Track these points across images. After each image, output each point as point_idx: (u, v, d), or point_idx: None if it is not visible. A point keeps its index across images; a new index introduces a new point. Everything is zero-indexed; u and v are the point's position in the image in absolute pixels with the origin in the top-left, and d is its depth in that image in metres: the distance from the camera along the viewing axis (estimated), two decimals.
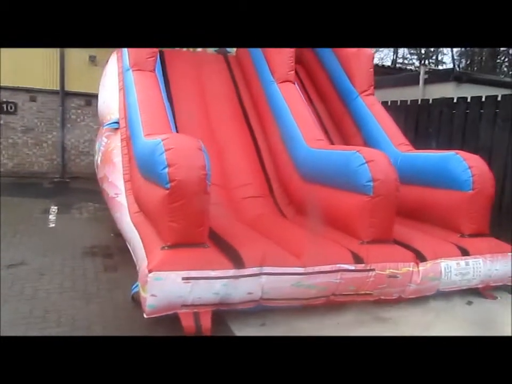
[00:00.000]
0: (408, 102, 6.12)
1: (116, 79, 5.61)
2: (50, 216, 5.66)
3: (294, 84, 5.11)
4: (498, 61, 17.93)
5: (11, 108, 8.44)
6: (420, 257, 3.30)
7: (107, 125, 4.98)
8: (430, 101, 5.77)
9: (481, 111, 5.02)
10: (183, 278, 2.58)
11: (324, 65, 5.86)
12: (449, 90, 5.90)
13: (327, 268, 2.96)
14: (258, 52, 5.55)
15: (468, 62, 17.77)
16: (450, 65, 18.82)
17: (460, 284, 3.41)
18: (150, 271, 2.54)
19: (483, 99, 5.03)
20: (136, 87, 4.32)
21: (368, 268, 3.07)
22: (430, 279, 3.28)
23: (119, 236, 4.77)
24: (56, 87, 8.50)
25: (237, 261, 2.76)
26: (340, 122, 5.60)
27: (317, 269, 2.93)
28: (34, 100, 8.48)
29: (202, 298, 2.64)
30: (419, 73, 6.26)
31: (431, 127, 5.70)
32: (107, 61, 6.41)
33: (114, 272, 3.80)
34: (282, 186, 4.71)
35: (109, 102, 5.58)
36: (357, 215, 3.35)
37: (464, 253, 3.44)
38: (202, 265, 2.66)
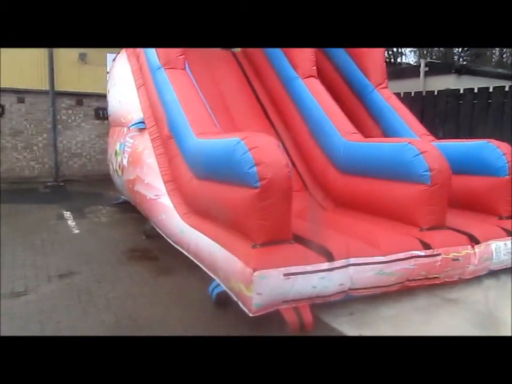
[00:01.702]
0: (412, 94, 6.40)
1: (131, 78, 5.50)
2: (69, 222, 5.46)
3: (317, 79, 5.21)
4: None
5: None
6: (474, 240, 3.53)
7: (133, 125, 4.86)
8: (436, 92, 6.06)
9: (489, 101, 5.36)
10: (284, 274, 2.65)
11: (334, 62, 5.98)
12: (450, 82, 6.22)
13: (402, 255, 3.12)
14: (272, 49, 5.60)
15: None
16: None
17: (507, 263, 3.68)
18: (254, 270, 2.58)
19: (490, 90, 5.37)
20: (173, 85, 4.26)
21: (435, 253, 3.26)
22: (484, 260, 3.52)
23: (151, 238, 4.74)
24: (45, 86, 8.10)
25: (326, 254, 2.85)
26: (356, 116, 5.76)
27: (394, 256, 3.08)
28: (22, 101, 8.04)
29: (301, 293, 2.71)
30: (419, 66, 6.57)
31: (438, 117, 6.02)
32: (113, 60, 6.25)
33: (171, 275, 3.76)
34: (315, 181, 4.82)
35: (127, 101, 5.46)
36: (416, 203, 3.52)
37: (509, 233, 3.71)
38: (298, 260, 2.73)
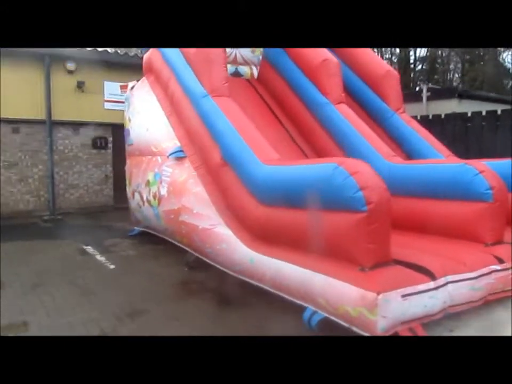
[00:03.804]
0: (418, 117, 6.79)
1: (158, 105, 5.44)
2: (98, 257, 5.18)
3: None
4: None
5: None
6: None
7: (172, 153, 4.78)
8: (442, 116, 6.47)
9: (498, 123, 5.81)
10: (402, 296, 2.70)
11: (350, 88, 6.23)
12: (453, 106, 6.68)
13: (486, 270, 3.27)
14: (296, 74, 5.77)
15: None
16: None
17: None
18: (378, 293, 2.60)
19: (499, 112, 5.83)
20: (225, 113, 4.26)
21: (508, 266, 3.45)
22: None
23: (194, 269, 4.60)
24: (41, 116, 7.75)
25: (429, 273, 2.94)
26: None
27: (480, 272, 3.23)
28: (17, 132, 7.63)
29: (415, 313, 2.77)
30: (421, 91, 7.02)
31: (446, 140, 6.40)
32: (131, 88, 6.16)
33: (245, 307, 3.64)
34: None
35: (156, 130, 5.38)
36: (480, 220, 3.70)
37: None
38: (409, 281, 2.80)
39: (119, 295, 3.92)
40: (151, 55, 5.92)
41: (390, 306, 2.63)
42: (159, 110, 5.40)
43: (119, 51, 8.78)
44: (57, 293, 3.90)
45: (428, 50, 22.72)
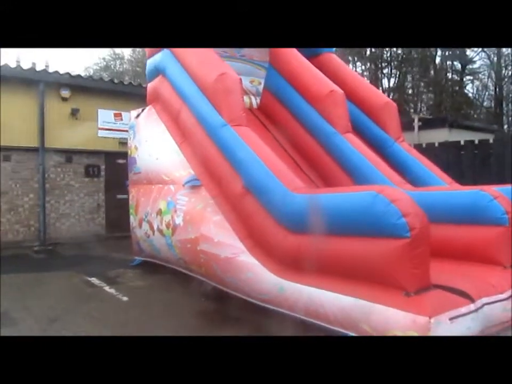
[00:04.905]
0: (412, 145, 7.09)
1: (167, 134, 5.45)
2: (107, 289, 5.01)
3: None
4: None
5: None
6: None
7: (188, 182, 4.77)
8: (436, 144, 6.80)
9: (490, 151, 6.16)
10: (450, 319, 2.77)
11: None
12: (444, 135, 7.05)
13: None
14: (301, 105, 5.94)
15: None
16: None
17: None
18: (430, 317, 2.67)
19: (491, 141, 6.20)
20: (247, 142, 4.31)
21: None
22: None
23: (211, 299, 4.53)
24: (34, 143, 7.55)
25: (468, 296, 3.04)
26: None
27: (509, 293, 3.37)
28: (8, 159, 7.37)
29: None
30: (412, 121, 7.37)
31: (440, 167, 6.71)
32: (137, 115, 6.14)
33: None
34: None
35: (167, 158, 5.36)
36: (497, 244, 3.88)
37: None
38: (453, 304, 2.89)
39: (142, 328, 3.80)
40: (158, 83, 5.96)
41: (440, 329, 2.70)
42: (169, 139, 5.40)
43: (115, 80, 8.78)
44: (78, 328, 3.73)
45: (396, 81, 23.90)
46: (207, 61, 5.10)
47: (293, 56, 6.23)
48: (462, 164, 6.43)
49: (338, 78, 6.24)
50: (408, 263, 2.92)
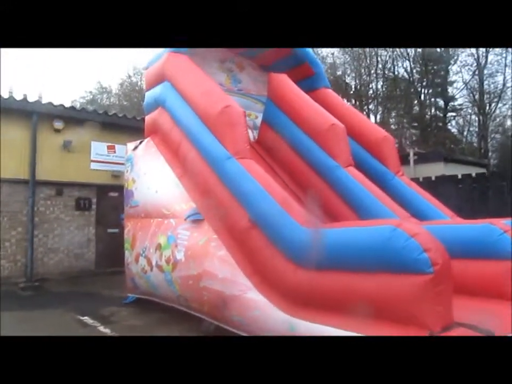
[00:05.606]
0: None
1: (166, 167, 5.34)
2: (102, 329, 4.71)
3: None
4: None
5: None
6: None
7: (190, 216, 4.62)
8: (433, 178, 6.84)
9: (488, 184, 6.21)
10: None
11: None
12: (439, 169, 7.12)
13: None
14: (302, 138, 5.94)
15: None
16: None
17: None
18: None
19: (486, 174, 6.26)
20: (253, 175, 4.22)
21: None
22: None
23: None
24: (24, 175, 7.32)
25: (491, 334, 2.92)
26: None
27: None
28: None
29: None
30: (408, 155, 7.45)
31: (438, 201, 6.73)
32: (135, 148, 6.04)
33: None
34: None
35: (167, 191, 5.22)
36: (507, 279, 3.80)
37: None
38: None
39: None
40: (157, 116, 5.90)
41: None
42: (169, 171, 5.29)
43: (108, 112, 8.72)
44: None
45: (381, 117, 24.51)
46: (210, 93, 5.08)
47: (292, 89, 6.29)
48: (460, 197, 6.46)
49: (335, 112, 6.28)
50: (432, 300, 2.80)
